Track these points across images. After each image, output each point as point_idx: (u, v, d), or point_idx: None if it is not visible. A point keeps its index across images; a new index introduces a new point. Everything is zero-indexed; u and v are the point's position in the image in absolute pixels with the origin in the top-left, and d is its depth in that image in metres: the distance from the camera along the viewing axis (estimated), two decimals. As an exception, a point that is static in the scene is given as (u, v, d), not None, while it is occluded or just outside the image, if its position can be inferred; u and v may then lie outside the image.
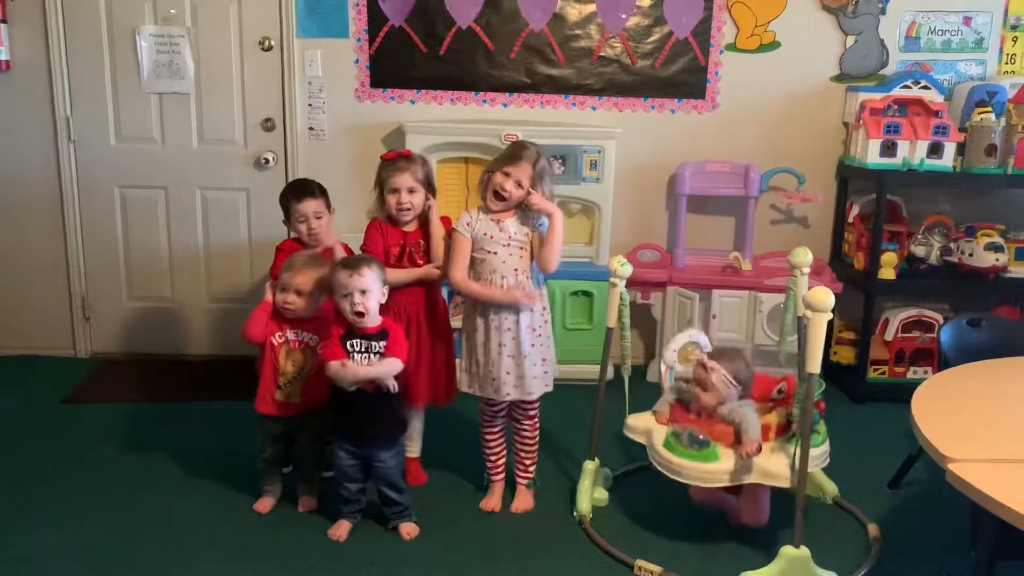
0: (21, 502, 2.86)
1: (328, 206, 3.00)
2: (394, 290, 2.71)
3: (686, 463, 2.52)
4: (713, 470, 2.50)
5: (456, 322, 3.05)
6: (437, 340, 2.90)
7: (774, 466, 2.48)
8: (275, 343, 2.74)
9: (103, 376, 4.05)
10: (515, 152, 2.69)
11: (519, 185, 2.65)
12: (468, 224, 2.72)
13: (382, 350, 2.59)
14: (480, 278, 2.71)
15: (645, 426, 2.74)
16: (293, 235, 3.09)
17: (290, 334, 2.75)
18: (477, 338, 2.74)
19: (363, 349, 2.58)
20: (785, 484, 2.47)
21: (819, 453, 2.56)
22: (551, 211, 2.65)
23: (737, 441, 2.51)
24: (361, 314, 2.55)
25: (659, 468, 2.61)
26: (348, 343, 2.58)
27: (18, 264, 4.17)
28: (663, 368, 2.89)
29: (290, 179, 4.09)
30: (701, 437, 2.52)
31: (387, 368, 2.58)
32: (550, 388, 2.81)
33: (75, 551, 2.58)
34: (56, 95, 3.99)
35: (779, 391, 2.71)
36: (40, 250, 4.16)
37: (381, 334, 2.60)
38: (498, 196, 2.67)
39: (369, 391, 2.59)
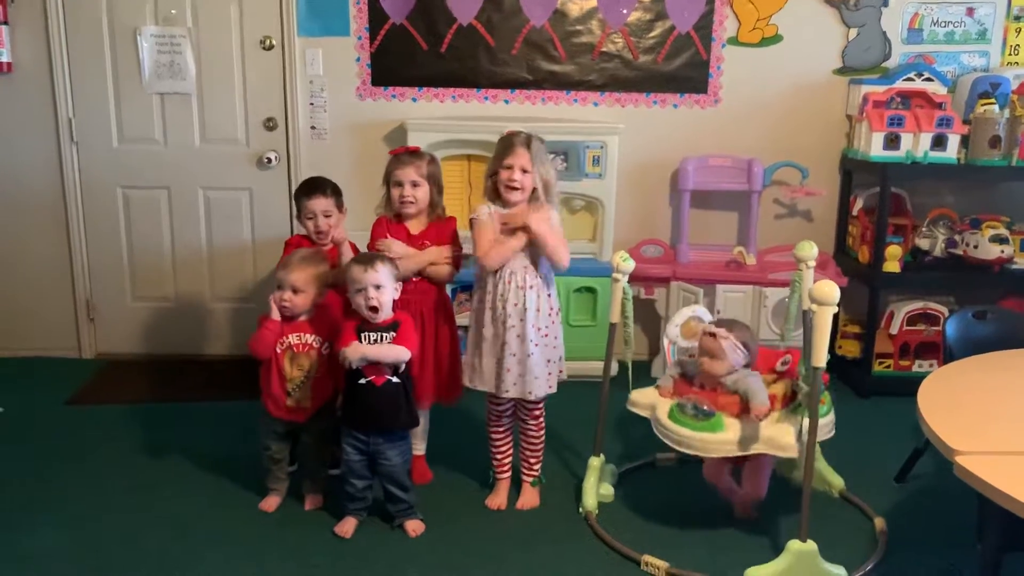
0: (26, 502, 2.86)
1: (339, 206, 3.00)
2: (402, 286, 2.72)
3: (691, 434, 2.51)
4: (718, 440, 2.48)
5: (461, 319, 3.05)
6: (443, 339, 2.90)
7: (780, 435, 2.46)
8: (278, 350, 2.74)
9: (108, 377, 4.06)
10: (506, 144, 2.70)
11: (524, 171, 2.66)
12: (489, 214, 2.72)
13: (391, 340, 2.60)
14: (489, 272, 2.72)
15: (649, 400, 2.71)
16: (302, 232, 3.09)
17: (292, 338, 2.74)
18: (484, 334, 2.73)
19: (375, 341, 2.60)
20: (791, 454, 2.46)
21: (825, 423, 2.53)
22: (527, 224, 2.64)
23: (743, 411, 2.49)
24: (375, 309, 2.57)
25: (664, 440, 2.59)
26: (361, 334, 2.60)
27: (22, 266, 4.18)
28: (666, 343, 2.88)
29: (292, 178, 4.10)
30: (706, 408, 2.50)
31: (392, 352, 2.59)
32: (553, 390, 2.80)
33: (80, 551, 2.59)
34: (58, 97, 3.99)
35: (783, 363, 2.69)
36: (44, 252, 4.17)
37: (392, 326, 2.62)
38: (511, 189, 2.67)
39: (379, 384, 2.60)
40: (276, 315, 2.73)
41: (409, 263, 2.79)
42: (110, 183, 4.12)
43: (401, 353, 2.60)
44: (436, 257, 2.83)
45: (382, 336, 2.60)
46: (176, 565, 2.52)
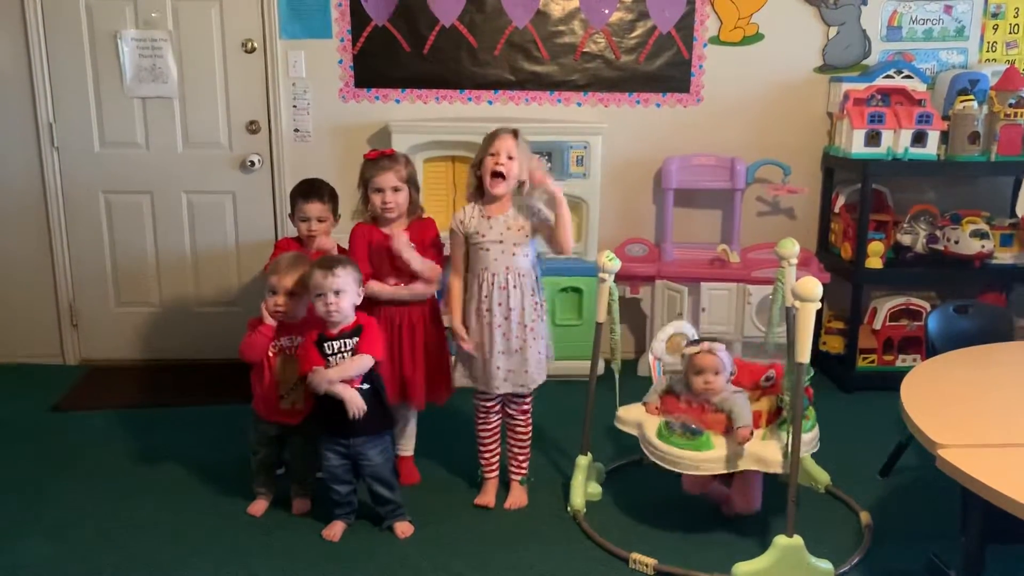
0: (13, 511, 2.84)
1: (334, 211, 2.99)
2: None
3: (680, 452, 2.54)
4: (707, 458, 2.52)
5: (448, 320, 3.05)
6: (431, 341, 2.90)
7: (766, 452, 2.50)
8: (270, 353, 2.73)
9: (92, 383, 4.03)
10: (490, 136, 2.71)
11: (511, 157, 2.66)
12: (461, 222, 2.74)
13: (354, 346, 2.60)
14: (473, 274, 2.74)
15: (636, 417, 2.75)
16: (291, 234, 3.08)
17: (284, 341, 2.73)
18: (470, 333, 2.75)
19: (337, 350, 2.60)
20: (777, 470, 2.49)
21: (809, 438, 2.58)
22: (553, 192, 2.66)
23: (730, 429, 2.53)
24: (333, 313, 2.56)
25: (653, 459, 2.62)
26: (324, 345, 2.59)
27: (4, 272, 4.15)
28: (652, 359, 2.90)
29: (276, 181, 4.10)
30: (694, 426, 2.53)
31: (356, 366, 2.58)
32: (542, 379, 2.81)
33: (68, 558, 2.57)
34: (38, 101, 3.97)
35: (767, 378, 2.72)
36: (26, 258, 4.14)
37: (355, 331, 2.61)
38: (497, 176, 2.66)
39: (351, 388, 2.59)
40: (270, 321, 2.70)
41: (401, 292, 2.81)
42: (92, 188, 4.10)
43: (365, 363, 2.59)
44: (413, 296, 2.83)
45: (344, 343, 2.59)
46: (164, 571, 2.51)
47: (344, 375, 2.57)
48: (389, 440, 2.76)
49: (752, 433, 2.49)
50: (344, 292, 2.57)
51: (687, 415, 2.60)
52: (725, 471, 2.55)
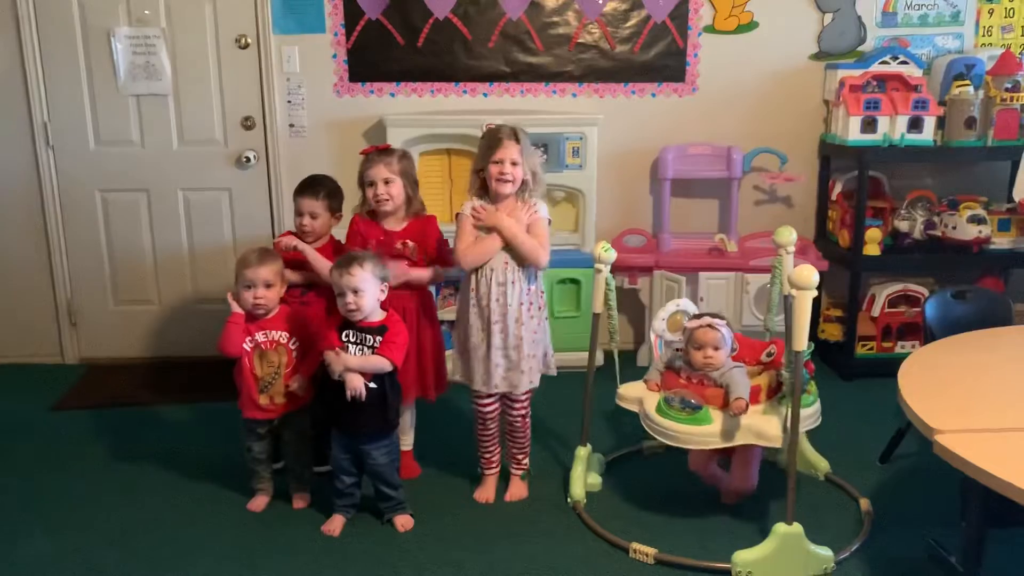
0: (14, 510, 2.85)
1: (332, 209, 2.98)
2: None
3: (679, 427, 2.53)
4: (706, 432, 2.51)
5: (444, 314, 3.05)
6: (425, 333, 2.90)
7: (766, 426, 2.49)
8: (247, 348, 2.73)
9: (92, 381, 4.04)
10: (493, 138, 2.68)
11: (515, 163, 2.65)
12: (473, 208, 2.72)
13: (376, 345, 2.59)
14: (471, 269, 2.72)
15: (637, 394, 2.74)
16: (290, 229, 3.09)
17: (260, 336, 2.74)
18: (469, 331, 2.75)
19: (357, 341, 2.59)
20: (776, 444, 2.49)
21: (810, 413, 2.57)
22: (498, 226, 2.66)
23: (728, 403, 2.52)
24: (353, 312, 2.56)
25: (653, 434, 2.62)
26: (344, 333, 2.59)
27: (1, 273, 4.15)
28: (653, 337, 2.90)
29: (272, 177, 4.09)
30: (693, 401, 2.53)
31: (374, 365, 2.57)
32: (536, 384, 2.81)
33: (70, 557, 2.58)
34: (32, 101, 3.96)
35: (768, 354, 2.72)
36: (23, 257, 4.14)
37: (379, 329, 2.60)
38: (503, 182, 2.66)
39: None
40: (237, 308, 2.71)
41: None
42: (88, 186, 4.09)
43: (382, 365, 2.58)
44: (421, 279, 2.84)
45: (365, 338, 2.59)
46: (166, 568, 2.52)
47: (361, 367, 2.56)
48: (395, 441, 2.74)
49: (748, 405, 2.47)
50: (363, 290, 2.55)
51: (687, 390, 2.59)
52: (724, 445, 2.54)
